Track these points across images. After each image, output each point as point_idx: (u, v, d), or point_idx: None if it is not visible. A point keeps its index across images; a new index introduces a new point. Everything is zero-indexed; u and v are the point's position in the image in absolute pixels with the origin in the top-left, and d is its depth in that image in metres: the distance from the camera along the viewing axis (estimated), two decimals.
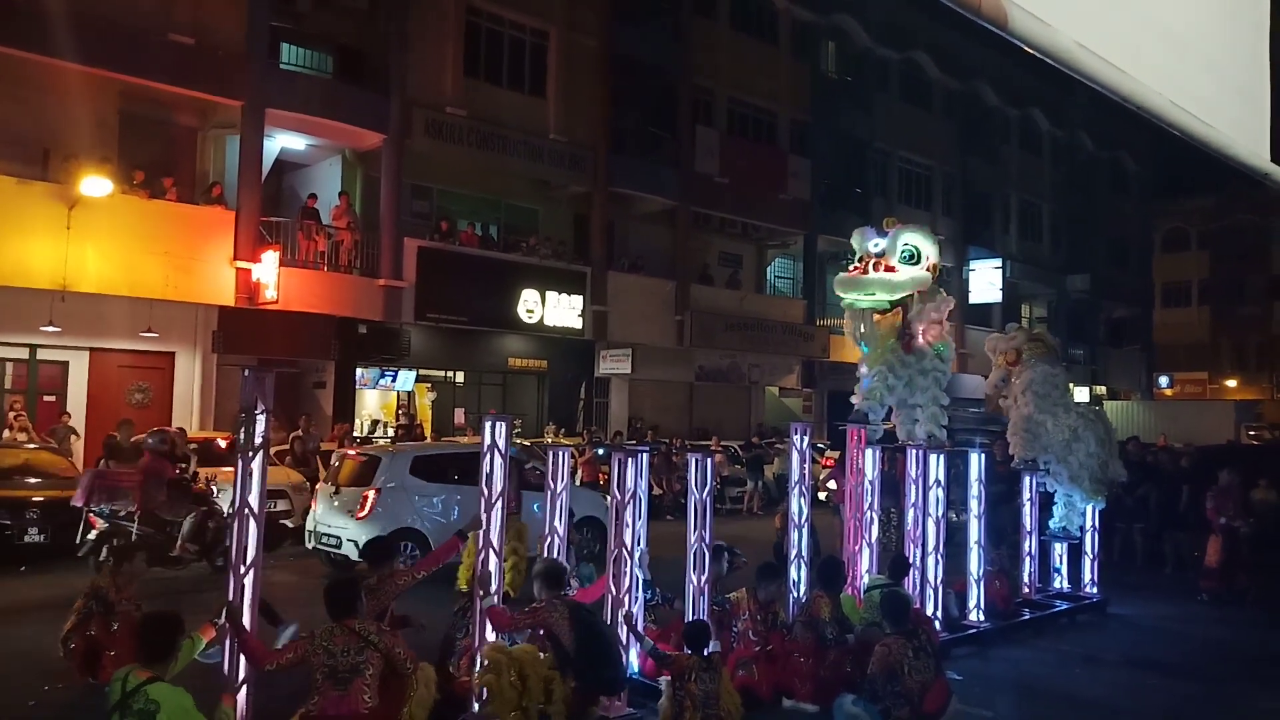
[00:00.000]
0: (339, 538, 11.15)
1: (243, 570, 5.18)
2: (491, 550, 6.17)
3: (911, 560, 8.43)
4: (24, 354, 16.15)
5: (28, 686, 6.88)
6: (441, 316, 20.01)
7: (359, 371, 19.69)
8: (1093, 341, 40.78)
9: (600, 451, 17.27)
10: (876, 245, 9.36)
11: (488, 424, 6.34)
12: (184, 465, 11.79)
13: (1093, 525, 11.02)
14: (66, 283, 15.01)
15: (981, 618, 9.20)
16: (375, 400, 21.35)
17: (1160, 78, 2.82)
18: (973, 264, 33.98)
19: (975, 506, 9.36)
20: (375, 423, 20.72)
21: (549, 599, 6.08)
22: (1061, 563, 11.05)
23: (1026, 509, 10.44)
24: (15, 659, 7.57)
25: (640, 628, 6.56)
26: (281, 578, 11.27)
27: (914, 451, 8.77)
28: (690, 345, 24.98)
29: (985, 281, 33.70)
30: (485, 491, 6.24)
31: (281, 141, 19.18)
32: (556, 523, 7.19)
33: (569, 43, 22.69)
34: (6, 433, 14.33)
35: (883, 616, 6.81)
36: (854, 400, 9.76)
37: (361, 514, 11.02)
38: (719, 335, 25.48)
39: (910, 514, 8.68)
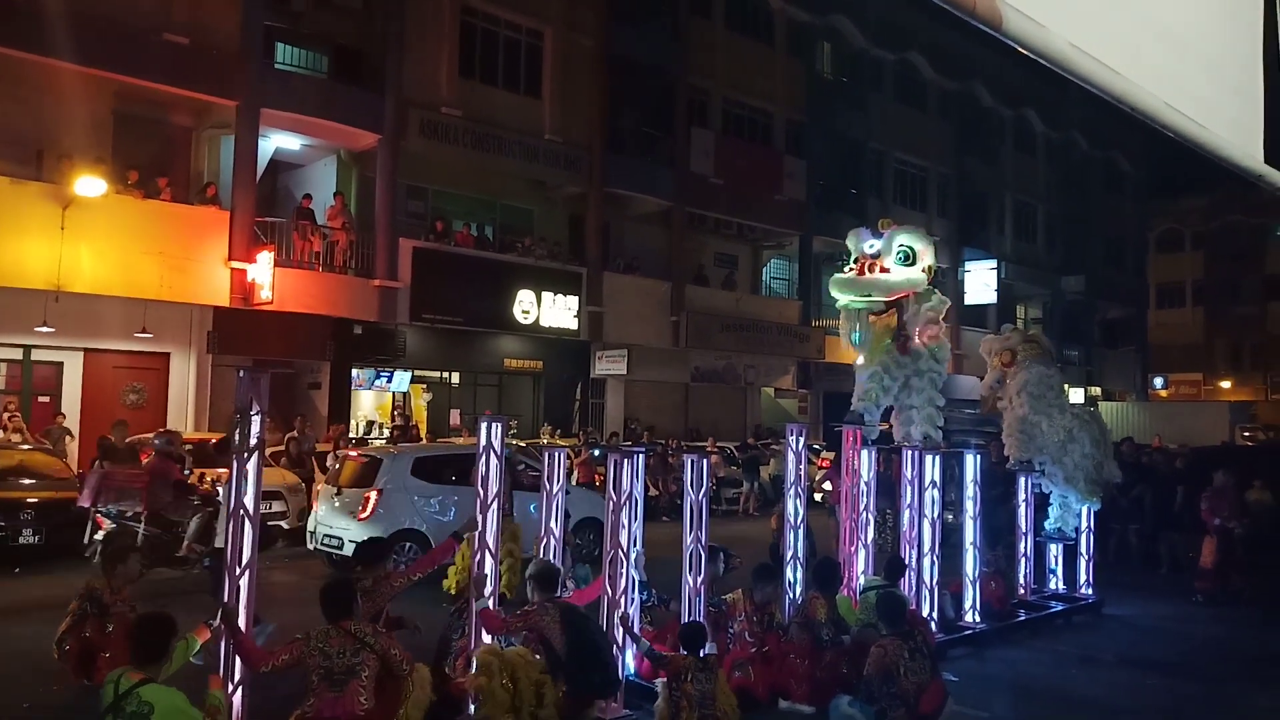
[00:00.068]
0: (341, 539, 11.16)
1: (238, 571, 5.16)
2: (487, 552, 6.16)
3: (907, 561, 8.43)
4: (18, 354, 16.12)
5: (23, 688, 6.86)
6: (437, 317, 19.99)
7: (354, 372, 19.66)
8: (1088, 342, 40.85)
9: (596, 453, 17.25)
10: (871, 246, 9.37)
11: (483, 425, 6.33)
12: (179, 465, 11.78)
13: (1088, 526, 11.03)
14: (61, 283, 14.97)
15: (977, 619, 9.20)
16: (370, 401, 21.31)
17: (1156, 79, 2.82)
18: (968, 265, 34.04)
19: (971, 508, 9.37)
20: (370, 424, 20.68)
21: (540, 602, 6.07)
22: (1057, 564, 11.07)
23: (1022, 510, 10.45)
24: (11, 660, 7.54)
25: (636, 629, 6.56)
26: (282, 578, 11.29)
27: (909, 452, 8.77)
28: (686, 346, 25.00)
29: (980, 282, 33.76)
30: (480, 493, 6.23)
31: (276, 142, 19.15)
32: (553, 524, 7.18)
33: (564, 43, 22.69)
34: (1, 434, 14.29)
35: (879, 618, 6.81)
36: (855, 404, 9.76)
37: (363, 515, 11.05)
38: (714, 336, 25.50)
39: (906, 515, 8.69)
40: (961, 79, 34.36)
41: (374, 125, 19.11)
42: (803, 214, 28.27)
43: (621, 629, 6.40)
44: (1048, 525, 10.89)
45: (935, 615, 8.61)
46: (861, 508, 8.53)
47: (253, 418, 5.24)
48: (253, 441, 5.24)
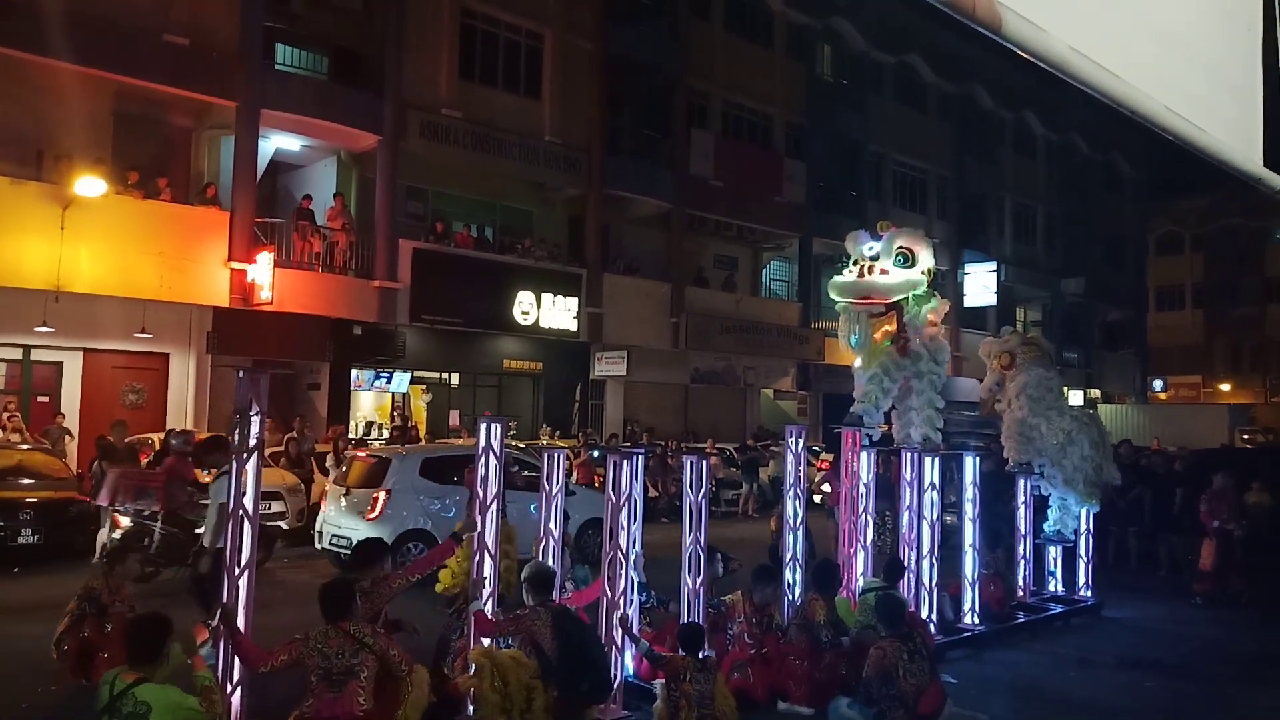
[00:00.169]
0: (349, 539, 11.17)
1: (237, 572, 5.16)
2: (486, 553, 6.16)
3: (906, 563, 8.43)
4: (17, 354, 16.12)
5: (22, 688, 6.86)
6: (436, 318, 19.99)
7: (354, 373, 19.67)
8: (1087, 345, 40.87)
9: (595, 454, 17.25)
10: (871, 249, 9.36)
11: (482, 426, 6.33)
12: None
13: (1087, 528, 11.03)
14: (60, 283, 14.97)
15: (976, 621, 9.20)
16: (370, 402, 21.31)
17: (1155, 82, 2.82)
18: (967, 267, 34.06)
19: (970, 510, 9.37)
20: (370, 424, 20.68)
21: (533, 606, 6.06)
22: (1056, 566, 11.06)
23: (1021, 512, 10.45)
24: (10, 660, 7.54)
25: (635, 630, 6.56)
26: (289, 577, 11.29)
27: (909, 454, 8.78)
28: (685, 348, 25.00)
29: (980, 285, 33.79)
30: (479, 494, 6.23)
31: (276, 142, 19.16)
32: (551, 525, 7.18)
33: (564, 45, 22.71)
34: (0, 433, 14.29)
35: (878, 619, 6.82)
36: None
37: (372, 515, 11.11)
38: (714, 338, 25.51)
39: (905, 517, 8.69)
40: (961, 81, 34.39)
41: (374, 126, 19.12)
42: (802, 216, 28.28)
43: (620, 630, 6.40)
44: (1047, 527, 10.89)
45: (934, 617, 8.61)
46: (861, 509, 8.53)
47: (252, 418, 5.24)
48: (252, 442, 5.24)
